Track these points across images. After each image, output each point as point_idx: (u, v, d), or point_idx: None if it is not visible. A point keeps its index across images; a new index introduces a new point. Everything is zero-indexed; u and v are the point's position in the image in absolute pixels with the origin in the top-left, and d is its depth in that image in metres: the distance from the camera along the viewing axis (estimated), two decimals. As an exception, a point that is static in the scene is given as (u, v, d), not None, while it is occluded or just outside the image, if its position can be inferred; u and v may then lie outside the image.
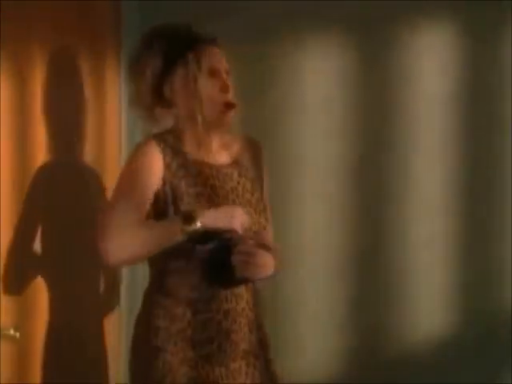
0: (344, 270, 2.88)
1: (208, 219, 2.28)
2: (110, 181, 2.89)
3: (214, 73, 2.41)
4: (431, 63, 3.09)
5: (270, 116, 3.17)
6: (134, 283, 3.12)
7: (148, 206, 2.33)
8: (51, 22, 2.62)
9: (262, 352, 2.47)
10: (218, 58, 2.44)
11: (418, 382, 3.06)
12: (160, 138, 2.39)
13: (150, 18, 3.17)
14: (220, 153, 2.47)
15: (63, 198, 2.73)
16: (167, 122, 2.44)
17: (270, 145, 2.96)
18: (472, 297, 3.06)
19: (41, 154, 2.60)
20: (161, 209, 2.34)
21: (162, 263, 2.37)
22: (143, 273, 2.52)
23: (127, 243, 2.26)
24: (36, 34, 2.53)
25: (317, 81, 3.12)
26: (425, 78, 3.09)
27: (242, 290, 2.42)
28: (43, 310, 2.60)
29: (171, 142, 2.40)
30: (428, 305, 3.08)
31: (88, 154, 2.87)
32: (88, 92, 2.87)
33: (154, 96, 2.41)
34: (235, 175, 2.45)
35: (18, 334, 2.25)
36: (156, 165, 2.34)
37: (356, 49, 3.12)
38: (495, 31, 3.04)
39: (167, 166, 2.35)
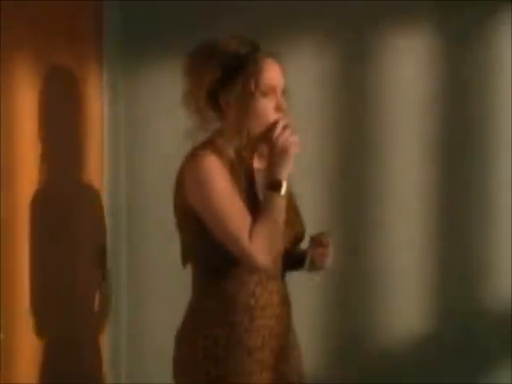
0: (324, 271, 2.89)
1: (285, 173, 2.36)
2: (91, 176, 2.89)
3: (270, 91, 2.38)
4: (411, 65, 3.11)
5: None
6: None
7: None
8: (31, 22, 2.60)
9: (296, 351, 2.53)
10: (277, 75, 2.40)
11: (397, 382, 3.08)
12: (210, 146, 2.39)
13: (131, 18, 3.18)
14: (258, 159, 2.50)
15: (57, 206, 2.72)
16: (210, 128, 2.43)
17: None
18: (451, 298, 3.08)
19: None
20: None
21: (215, 271, 2.38)
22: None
23: (267, 245, 2.31)
24: (15, 36, 2.51)
25: (299, 82, 3.13)
26: (404, 80, 3.11)
27: (288, 294, 2.49)
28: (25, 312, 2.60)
29: (220, 148, 2.39)
30: (407, 305, 3.10)
31: (69, 156, 2.87)
32: (69, 93, 2.86)
33: (207, 102, 2.39)
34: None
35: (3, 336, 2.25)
36: (222, 169, 2.34)
37: (337, 50, 3.13)
38: (474, 32, 3.07)
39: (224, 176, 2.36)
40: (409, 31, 3.10)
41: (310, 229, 2.52)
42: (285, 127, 2.38)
